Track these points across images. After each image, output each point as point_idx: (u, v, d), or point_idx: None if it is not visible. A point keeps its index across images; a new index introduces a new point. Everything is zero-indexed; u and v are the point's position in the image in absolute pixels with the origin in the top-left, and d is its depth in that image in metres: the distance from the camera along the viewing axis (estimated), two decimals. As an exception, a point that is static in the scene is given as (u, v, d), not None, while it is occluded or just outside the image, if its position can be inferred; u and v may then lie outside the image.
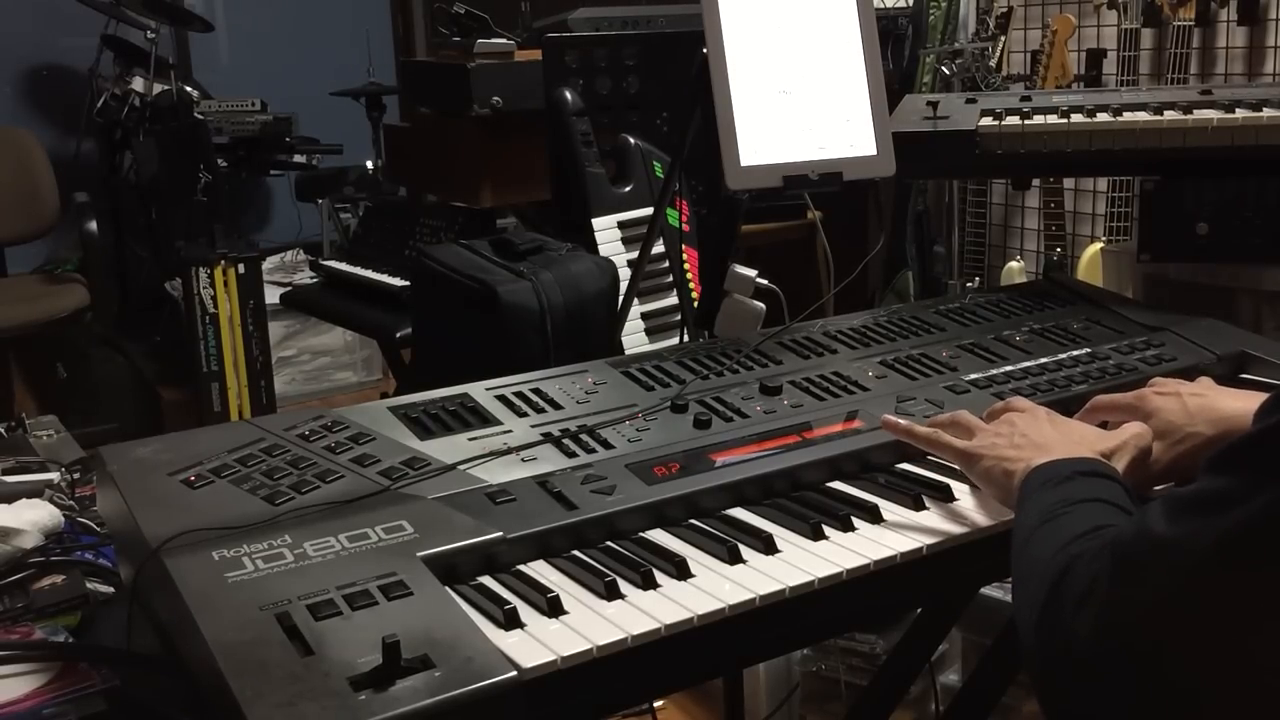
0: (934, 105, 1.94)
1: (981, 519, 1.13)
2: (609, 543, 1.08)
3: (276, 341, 4.20)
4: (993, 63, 3.56)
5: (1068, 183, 3.55)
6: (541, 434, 1.21)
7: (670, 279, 2.34)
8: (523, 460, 1.16)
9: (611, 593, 0.97)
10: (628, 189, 2.39)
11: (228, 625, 0.87)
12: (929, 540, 1.08)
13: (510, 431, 1.22)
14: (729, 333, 1.58)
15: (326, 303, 3.24)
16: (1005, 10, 3.69)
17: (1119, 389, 1.43)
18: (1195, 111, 1.77)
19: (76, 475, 1.57)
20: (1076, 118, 1.82)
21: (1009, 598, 2.21)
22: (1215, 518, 0.77)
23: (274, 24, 5.24)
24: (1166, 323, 1.61)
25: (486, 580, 1.01)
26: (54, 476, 1.55)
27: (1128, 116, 1.79)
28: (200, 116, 4.26)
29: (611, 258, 2.02)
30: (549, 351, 1.71)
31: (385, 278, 3.02)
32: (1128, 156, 1.79)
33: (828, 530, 1.09)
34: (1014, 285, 2.05)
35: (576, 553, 1.06)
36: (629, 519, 1.10)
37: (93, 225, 4.10)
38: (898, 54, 3.67)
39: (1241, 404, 1.19)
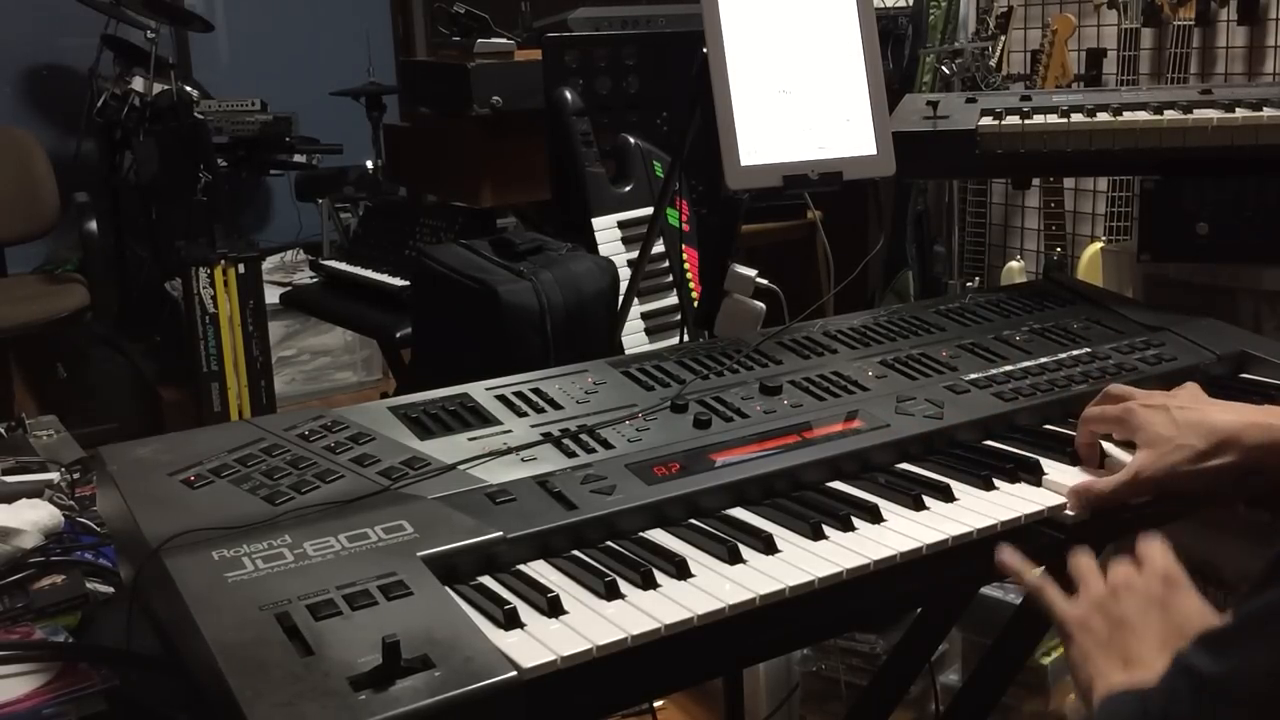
0: (934, 105, 1.94)
1: (982, 519, 1.13)
2: (609, 543, 1.08)
3: (276, 341, 4.20)
4: (993, 62, 3.56)
5: (1068, 183, 3.55)
6: (541, 434, 1.21)
7: (670, 279, 2.34)
8: (523, 460, 1.16)
9: (611, 593, 0.97)
10: (628, 189, 2.39)
11: (228, 625, 0.87)
12: (929, 540, 1.08)
13: (510, 431, 1.22)
14: (729, 333, 1.58)
15: (326, 303, 3.24)
16: (1005, 10, 3.69)
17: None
18: (1195, 111, 1.77)
19: (76, 475, 1.57)
20: (1076, 117, 1.82)
21: (1009, 598, 2.21)
22: None
23: (274, 24, 5.24)
24: (1166, 323, 1.61)
25: (486, 580, 1.01)
26: (54, 476, 1.55)
27: (1128, 116, 1.79)
28: (200, 116, 4.26)
29: (611, 258, 2.02)
30: (549, 351, 1.71)
31: (385, 278, 3.02)
32: (1128, 156, 1.79)
33: (828, 530, 1.09)
34: (1014, 285, 2.06)
35: (576, 553, 1.06)
36: (629, 519, 1.10)
37: (93, 225, 4.10)
38: (898, 54, 3.67)
39: (1232, 416, 1.18)
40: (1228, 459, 1.16)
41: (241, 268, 3.87)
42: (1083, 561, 1.09)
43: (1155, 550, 1.06)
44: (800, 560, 1.04)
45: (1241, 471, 1.16)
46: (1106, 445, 1.24)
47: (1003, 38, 3.63)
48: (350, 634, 0.87)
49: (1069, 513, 1.17)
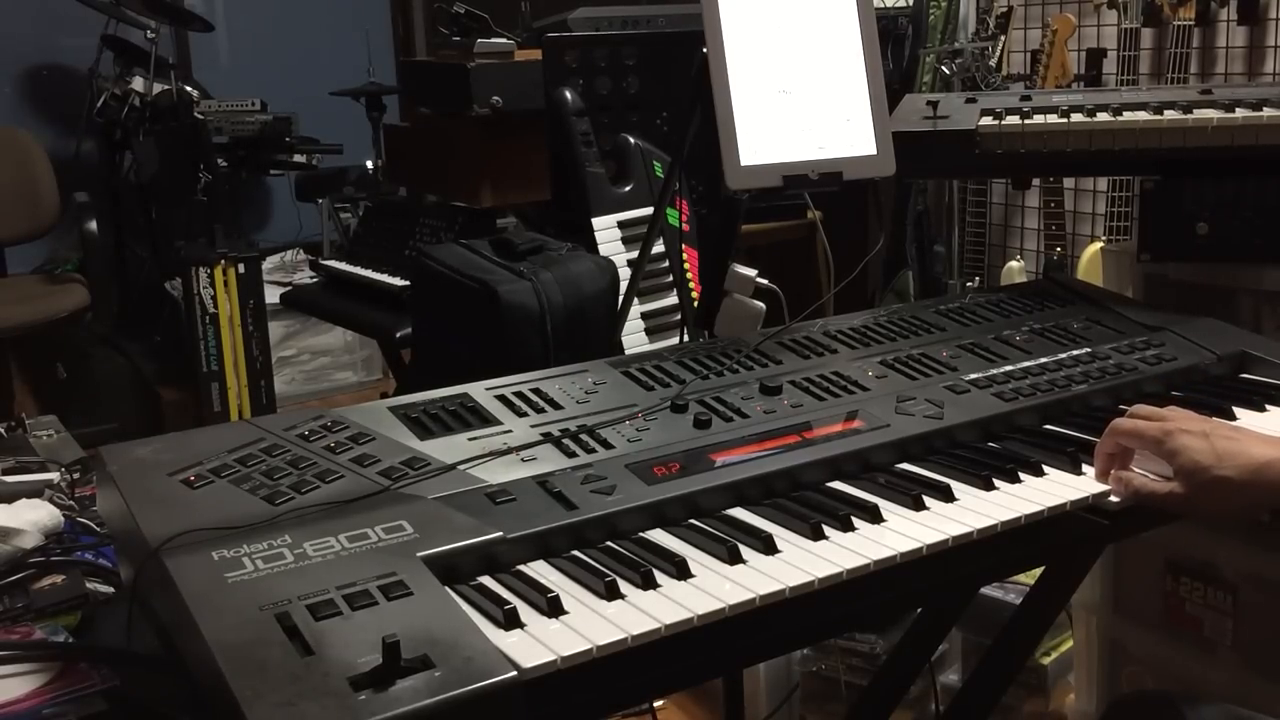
0: (934, 105, 1.94)
1: (981, 519, 1.12)
2: (609, 543, 1.08)
3: (276, 341, 4.20)
4: (993, 63, 3.57)
5: (1068, 183, 3.55)
6: (541, 434, 1.21)
7: (670, 279, 2.34)
8: (523, 460, 1.16)
9: (611, 593, 0.97)
10: (628, 189, 2.39)
11: (228, 625, 0.87)
12: (929, 540, 1.08)
13: (510, 431, 1.22)
14: (729, 333, 1.58)
15: (326, 303, 3.24)
16: (1005, 10, 3.69)
17: (1119, 389, 1.44)
18: (1195, 111, 1.77)
19: (76, 475, 1.57)
20: (1076, 117, 1.82)
21: (1009, 598, 2.21)
22: None
23: (274, 24, 5.24)
24: (1166, 323, 1.61)
25: (486, 580, 1.01)
26: (54, 476, 1.55)
27: (1128, 116, 1.79)
28: (200, 116, 4.26)
29: (611, 258, 2.02)
30: (549, 351, 1.71)
31: (385, 278, 3.02)
32: (1128, 156, 1.79)
33: (828, 530, 1.09)
34: (1014, 285, 2.05)
35: (576, 553, 1.06)
36: (629, 519, 1.10)
37: (93, 225, 4.10)
38: (898, 54, 3.67)
39: (1270, 449, 1.16)
40: (1262, 493, 1.15)
41: (241, 268, 3.87)
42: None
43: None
44: (800, 560, 1.04)
45: (1272, 507, 1.16)
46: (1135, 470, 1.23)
47: (1003, 38, 3.64)
48: (350, 634, 0.87)
49: (1113, 498, 1.18)
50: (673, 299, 2.34)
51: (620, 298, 1.85)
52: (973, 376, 1.42)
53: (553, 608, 0.95)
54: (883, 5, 3.74)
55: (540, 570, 1.03)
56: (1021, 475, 1.22)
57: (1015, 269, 3.61)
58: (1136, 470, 1.21)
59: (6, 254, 4.52)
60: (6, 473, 1.54)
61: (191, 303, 3.84)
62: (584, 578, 1.00)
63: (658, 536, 1.10)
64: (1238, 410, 1.39)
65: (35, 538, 1.31)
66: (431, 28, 5.19)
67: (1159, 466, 1.21)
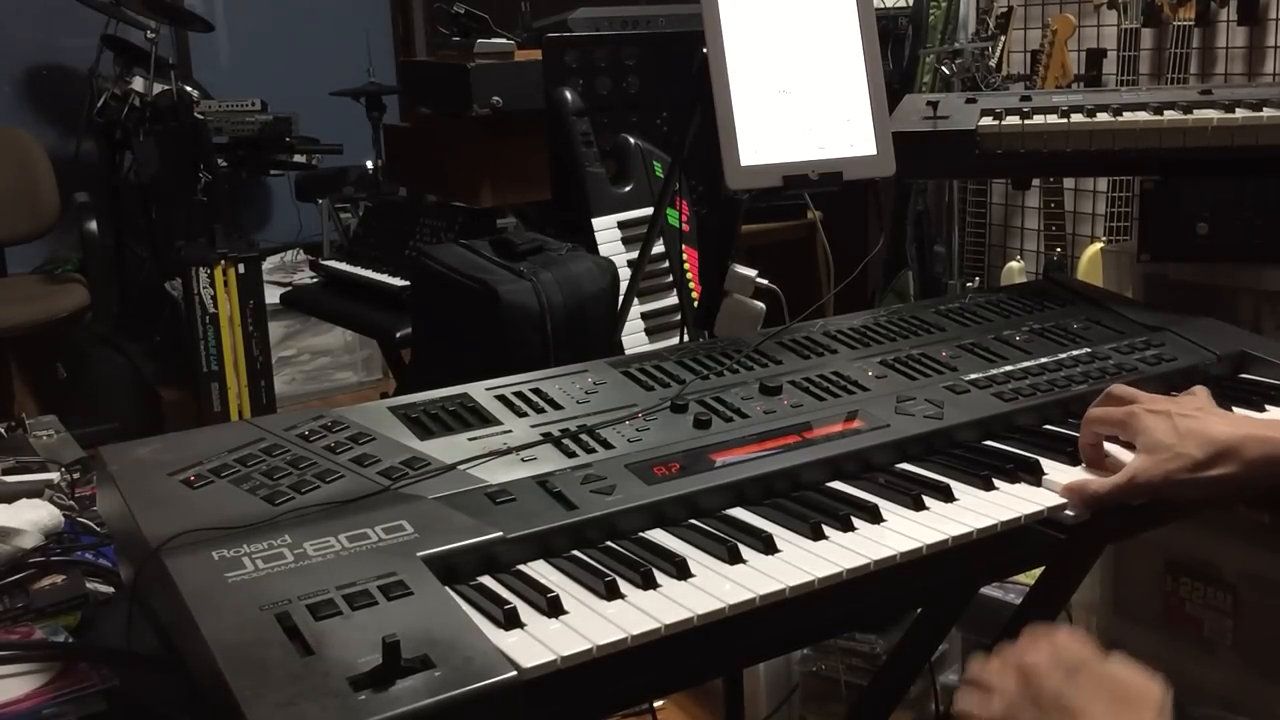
0: (934, 105, 1.94)
1: (981, 519, 1.12)
2: (609, 543, 1.08)
3: (276, 341, 4.20)
4: (993, 63, 3.57)
5: (1068, 183, 3.55)
6: (541, 434, 1.21)
7: (670, 279, 2.34)
8: (523, 460, 1.16)
9: (611, 593, 0.97)
10: (628, 189, 2.39)
11: (228, 625, 0.87)
12: (929, 540, 1.08)
13: (510, 431, 1.22)
14: (729, 333, 1.58)
15: (326, 303, 3.24)
16: (1005, 10, 3.70)
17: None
18: (1195, 111, 1.76)
19: (76, 475, 1.57)
20: (1076, 118, 1.82)
21: (1009, 598, 2.21)
22: None
23: (274, 24, 5.24)
24: (1166, 323, 1.61)
25: (486, 580, 1.01)
26: (54, 476, 1.55)
27: (1128, 116, 1.79)
28: (200, 116, 4.26)
29: (611, 258, 2.02)
30: (549, 351, 1.71)
31: (385, 278, 3.02)
32: (1128, 156, 1.79)
33: (828, 530, 1.09)
34: (1014, 285, 2.06)
35: (576, 553, 1.06)
36: (629, 519, 1.10)
37: (93, 225, 4.10)
38: (898, 54, 3.67)
39: (1232, 428, 1.18)
40: (1226, 470, 1.16)
41: (241, 268, 3.87)
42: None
43: (1058, 645, 0.94)
44: (800, 560, 1.04)
45: (1240, 483, 1.16)
46: (1110, 446, 1.25)
47: (1003, 38, 3.64)
48: (350, 634, 0.87)
49: (1069, 513, 1.17)
50: (673, 299, 2.34)
51: (620, 298, 1.85)
52: (973, 376, 1.42)
53: (553, 608, 0.95)
54: (883, 5, 3.74)
55: (540, 570, 1.03)
56: (1021, 475, 1.22)
57: (1015, 269, 3.62)
58: (1114, 454, 1.23)
59: (6, 254, 4.52)
60: (6, 473, 1.54)
61: (191, 303, 3.84)
62: (584, 578, 1.00)
63: (658, 536, 1.10)
64: (1237, 410, 1.39)
65: (35, 538, 1.31)
66: (431, 28, 5.19)
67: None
